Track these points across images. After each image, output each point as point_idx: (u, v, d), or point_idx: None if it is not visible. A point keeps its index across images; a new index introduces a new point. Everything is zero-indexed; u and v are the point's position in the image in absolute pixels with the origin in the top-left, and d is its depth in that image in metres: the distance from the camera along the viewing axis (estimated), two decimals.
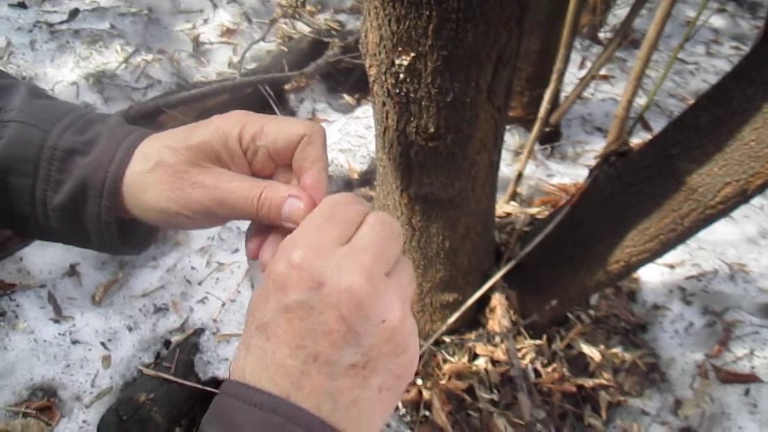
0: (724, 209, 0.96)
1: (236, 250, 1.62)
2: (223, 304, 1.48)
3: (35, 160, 0.51)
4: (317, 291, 0.40)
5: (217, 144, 0.50)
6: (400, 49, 0.76)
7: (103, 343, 1.40)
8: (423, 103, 0.82)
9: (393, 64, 0.77)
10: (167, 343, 1.45)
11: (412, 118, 0.85)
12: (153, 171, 0.51)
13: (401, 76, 0.79)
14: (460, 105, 0.81)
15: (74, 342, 1.38)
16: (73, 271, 1.56)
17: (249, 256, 0.53)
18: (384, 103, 0.86)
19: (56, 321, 1.42)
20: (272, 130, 0.50)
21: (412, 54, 0.75)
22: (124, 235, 0.55)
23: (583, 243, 1.21)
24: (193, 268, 1.56)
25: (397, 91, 0.81)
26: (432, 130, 0.86)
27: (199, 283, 1.53)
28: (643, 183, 1.04)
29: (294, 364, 0.40)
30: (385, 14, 0.73)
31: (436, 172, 0.96)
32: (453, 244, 1.16)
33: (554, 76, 1.40)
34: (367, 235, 0.44)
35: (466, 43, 0.72)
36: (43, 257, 1.55)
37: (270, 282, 0.42)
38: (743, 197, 0.92)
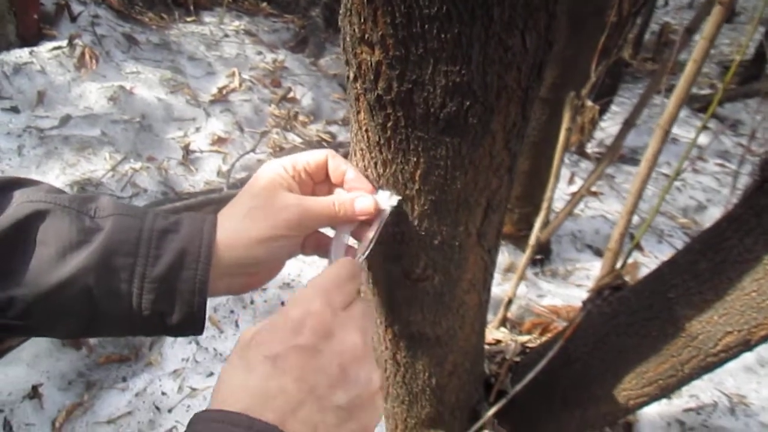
0: (726, 357, 0.91)
1: (211, 374, 1.54)
2: None
3: (136, 242, 0.61)
4: (327, 340, 0.50)
5: (281, 177, 0.67)
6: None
7: None
8: (409, 245, 0.78)
9: None
10: None
11: (398, 259, 0.81)
12: (245, 215, 0.64)
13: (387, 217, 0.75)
14: (448, 248, 0.78)
15: None
16: (35, 393, 1.46)
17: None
18: None
19: None
20: (304, 157, 0.69)
21: (399, 197, 0.72)
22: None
23: (577, 382, 1.14)
24: (163, 393, 1.47)
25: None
26: (419, 271, 0.81)
27: (169, 411, 1.44)
28: (640, 325, 0.99)
29: (294, 392, 0.47)
30: (372, 157, 0.70)
31: (422, 311, 0.91)
32: (440, 381, 1.09)
33: (544, 205, 1.38)
34: (360, 308, 0.57)
35: (455, 190, 0.69)
36: (5, 377, 1.46)
37: (283, 322, 0.51)
38: (746, 347, 0.87)
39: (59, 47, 2.85)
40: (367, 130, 0.68)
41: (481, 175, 0.68)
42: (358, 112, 0.67)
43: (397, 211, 0.72)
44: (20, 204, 0.61)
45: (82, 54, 2.87)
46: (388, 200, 0.70)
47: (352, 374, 0.50)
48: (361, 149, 0.71)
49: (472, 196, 0.71)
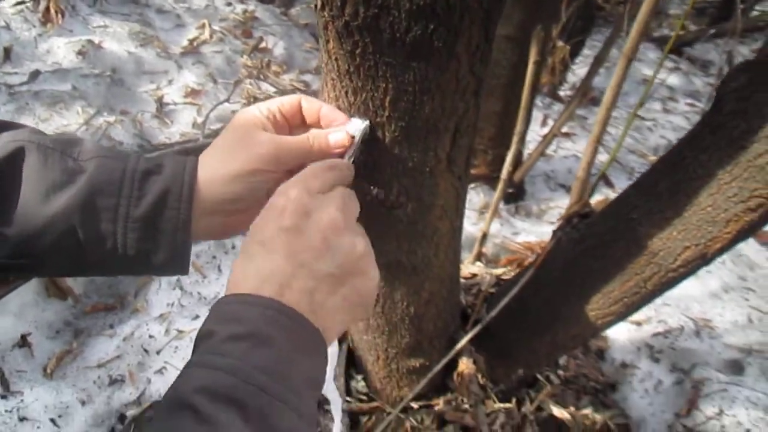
0: (685, 272, 0.96)
1: (196, 317, 1.57)
2: None
3: (119, 182, 0.62)
4: (307, 218, 0.56)
5: (255, 118, 0.69)
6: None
7: (53, 420, 1.33)
8: (382, 172, 0.81)
9: None
10: (122, 418, 1.38)
11: (371, 188, 0.84)
12: (223, 153, 0.67)
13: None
14: (419, 174, 0.81)
15: (22, 419, 1.31)
16: (24, 342, 1.49)
17: None
18: None
19: (3, 396, 1.35)
20: (278, 100, 0.71)
21: (367, 121, 0.75)
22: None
23: (547, 306, 1.19)
24: (151, 336, 1.51)
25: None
26: (392, 198, 0.84)
27: (158, 353, 1.48)
28: (606, 247, 1.03)
29: (287, 268, 0.54)
30: (342, 86, 0.72)
31: (397, 239, 0.94)
32: (417, 310, 1.14)
33: (515, 139, 1.41)
34: (339, 191, 0.62)
35: (423, 115, 0.72)
36: None
37: (269, 211, 0.57)
38: (703, 260, 0.92)
39: (23, 2, 2.78)
40: (336, 59, 0.70)
41: (447, 99, 0.71)
42: (328, 41, 0.69)
43: (371, 136, 0.75)
44: (4, 143, 0.62)
45: (47, 9, 2.80)
46: (361, 124, 0.73)
47: (333, 243, 0.56)
48: (332, 79, 0.73)
49: (441, 121, 0.74)
